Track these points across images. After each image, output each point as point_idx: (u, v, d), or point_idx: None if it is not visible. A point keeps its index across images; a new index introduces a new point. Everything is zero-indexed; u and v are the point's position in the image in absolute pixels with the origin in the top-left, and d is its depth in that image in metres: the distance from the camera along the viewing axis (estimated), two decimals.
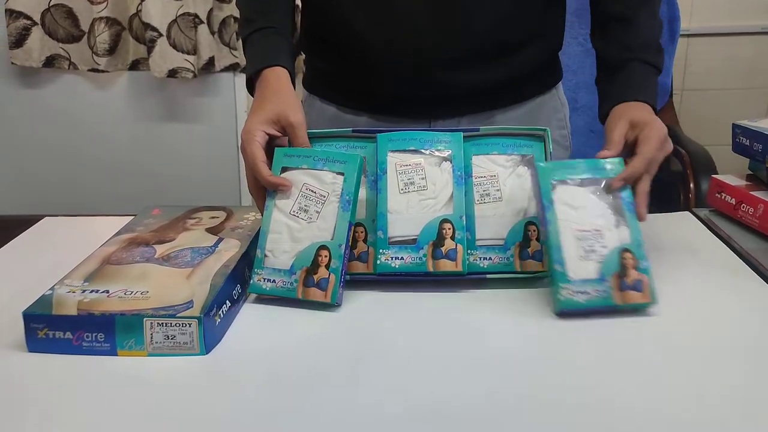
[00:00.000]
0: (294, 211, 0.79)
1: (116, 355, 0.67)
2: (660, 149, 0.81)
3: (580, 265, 0.75)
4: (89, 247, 0.83)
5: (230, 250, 0.81)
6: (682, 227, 0.98)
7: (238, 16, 0.99)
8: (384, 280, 0.81)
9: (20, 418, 0.59)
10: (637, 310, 0.75)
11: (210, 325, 0.68)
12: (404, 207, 0.81)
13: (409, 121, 0.99)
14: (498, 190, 0.83)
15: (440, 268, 0.78)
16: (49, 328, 0.67)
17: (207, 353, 0.67)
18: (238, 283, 0.77)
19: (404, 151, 0.83)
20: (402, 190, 0.81)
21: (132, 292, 0.71)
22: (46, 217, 1.04)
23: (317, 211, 0.78)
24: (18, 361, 0.67)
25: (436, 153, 0.83)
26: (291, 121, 0.82)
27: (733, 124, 1.01)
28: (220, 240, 0.84)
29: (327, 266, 0.76)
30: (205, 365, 0.66)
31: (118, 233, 0.87)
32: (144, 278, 0.74)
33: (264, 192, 0.82)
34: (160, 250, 0.81)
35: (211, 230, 0.87)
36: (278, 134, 0.84)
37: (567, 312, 0.74)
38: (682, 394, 0.60)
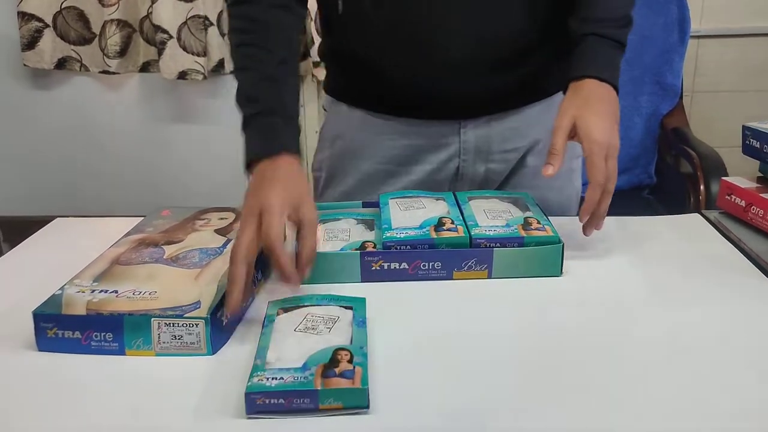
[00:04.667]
0: (300, 330, 0.68)
1: (124, 354, 0.67)
2: (604, 160, 0.80)
3: None
4: (99, 247, 0.83)
5: None
6: (691, 229, 0.98)
7: None
8: (377, 283, 0.81)
9: (29, 416, 0.59)
10: None
11: (217, 325, 0.68)
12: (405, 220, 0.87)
13: (439, 121, 1.00)
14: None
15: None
16: (59, 328, 0.68)
17: (213, 354, 0.68)
18: None
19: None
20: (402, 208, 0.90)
21: (140, 292, 0.71)
22: (57, 218, 1.04)
23: (328, 328, 0.68)
24: (28, 359, 0.67)
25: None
26: (309, 218, 0.75)
27: (743, 125, 1.01)
28: (228, 241, 0.84)
29: (350, 361, 0.61)
30: (212, 366, 0.66)
31: (127, 234, 0.87)
32: (152, 279, 0.74)
33: (252, 261, 0.72)
34: (169, 250, 0.82)
35: (220, 231, 0.88)
36: (292, 223, 0.76)
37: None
38: (692, 398, 0.60)
